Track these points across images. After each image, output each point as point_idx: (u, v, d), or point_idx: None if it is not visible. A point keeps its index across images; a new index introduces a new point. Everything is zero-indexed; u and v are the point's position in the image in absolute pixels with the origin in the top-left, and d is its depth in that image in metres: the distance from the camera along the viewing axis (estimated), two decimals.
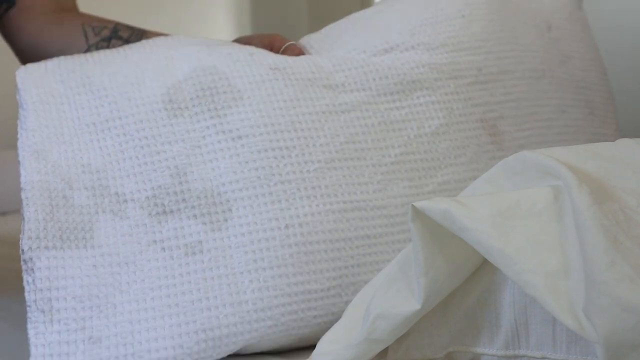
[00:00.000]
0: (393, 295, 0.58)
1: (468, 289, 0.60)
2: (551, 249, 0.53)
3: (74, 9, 1.02)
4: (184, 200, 0.72)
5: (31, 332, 0.65)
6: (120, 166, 0.74)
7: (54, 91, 0.77)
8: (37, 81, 0.78)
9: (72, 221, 0.70)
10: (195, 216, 0.72)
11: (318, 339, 0.69)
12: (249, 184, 0.74)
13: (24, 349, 0.69)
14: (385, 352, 0.63)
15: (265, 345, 0.73)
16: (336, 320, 0.70)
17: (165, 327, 0.68)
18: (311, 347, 0.72)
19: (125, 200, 0.72)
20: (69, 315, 0.66)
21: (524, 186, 0.58)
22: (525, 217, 0.54)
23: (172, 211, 0.72)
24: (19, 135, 0.74)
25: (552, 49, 0.98)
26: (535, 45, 0.95)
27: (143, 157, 0.74)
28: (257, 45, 0.88)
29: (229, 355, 0.73)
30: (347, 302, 0.73)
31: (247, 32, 3.03)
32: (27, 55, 0.96)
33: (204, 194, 0.73)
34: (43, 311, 0.66)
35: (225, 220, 0.72)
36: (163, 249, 0.70)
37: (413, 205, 0.55)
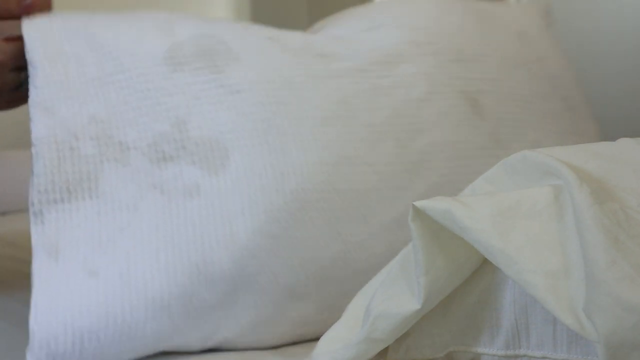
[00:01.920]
0: (393, 295, 0.58)
1: (468, 288, 0.60)
2: (551, 249, 0.53)
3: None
4: (183, 147, 0.74)
5: (35, 267, 0.68)
6: (124, 117, 0.75)
7: (60, 50, 0.77)
8: (44, 41, 0.78)
9: (79, 171, 0.72)
10: (193, 162, 0.74)
11: (302, 285, 0.75)
12: (246, 134, 0.76)
13: (25, 349, 0.69)
14: (385, 351, 0.63)
15: (254, 298, 0.75)
16: (321, 269, 0.75)
17: (161, 263, 0.70)
18: (308, 342, 0.75)
19: (128, 148, 0.74)
20: (71, 254, 0.69)
21: (524, 185, 0.58)
22: (525, 216, 0.54)
23: (171, 157, 0.74)
24: (29, 92, 0.75)
25: (526, 48, 1.04)
26: (509, 43, 1.02)
27: (145, 107, 0.76)
28: None
29: (227, 351, 0.76)
30: (333, 252, 0.77)
31: None
32: None
33: (202, 141, 0.75)
34: (48, 252, 0.69)
35: (223, 165, 0.74)
36: (162, 192, 0.73)
37: (413, 205, 0.55)
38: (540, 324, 0.57)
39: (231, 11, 3.02)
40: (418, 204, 0.55)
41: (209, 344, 0.75)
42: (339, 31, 0.93)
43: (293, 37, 0.87)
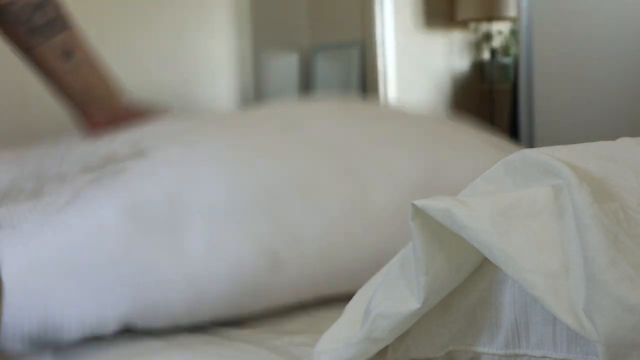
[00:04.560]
0: (393, 295, 0.58)
1: (468, 288, 0.60)
2: (551, 248, 0.53)
3: None
4: None
5: None
6: None
7: None
8: None
9: None
10: None
11: None
12: None
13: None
14: (385, 350, 0.63)
15: None
16: None
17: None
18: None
19: None
20: None
21: (524, 185, 0.58)
22: (525, 216, 0.54)
23: None
24: None
25: None
26: None
27: None
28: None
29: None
30: None
31: (246, 32, 3.03)
32: None
33: None
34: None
35: None
36: None
37: (413, 204, 0.55)
38: (540, 324, 0.57)
39: (231, 11, 3.02)
40: (418, 203, 0.55)
41: None
42: None
43: None
